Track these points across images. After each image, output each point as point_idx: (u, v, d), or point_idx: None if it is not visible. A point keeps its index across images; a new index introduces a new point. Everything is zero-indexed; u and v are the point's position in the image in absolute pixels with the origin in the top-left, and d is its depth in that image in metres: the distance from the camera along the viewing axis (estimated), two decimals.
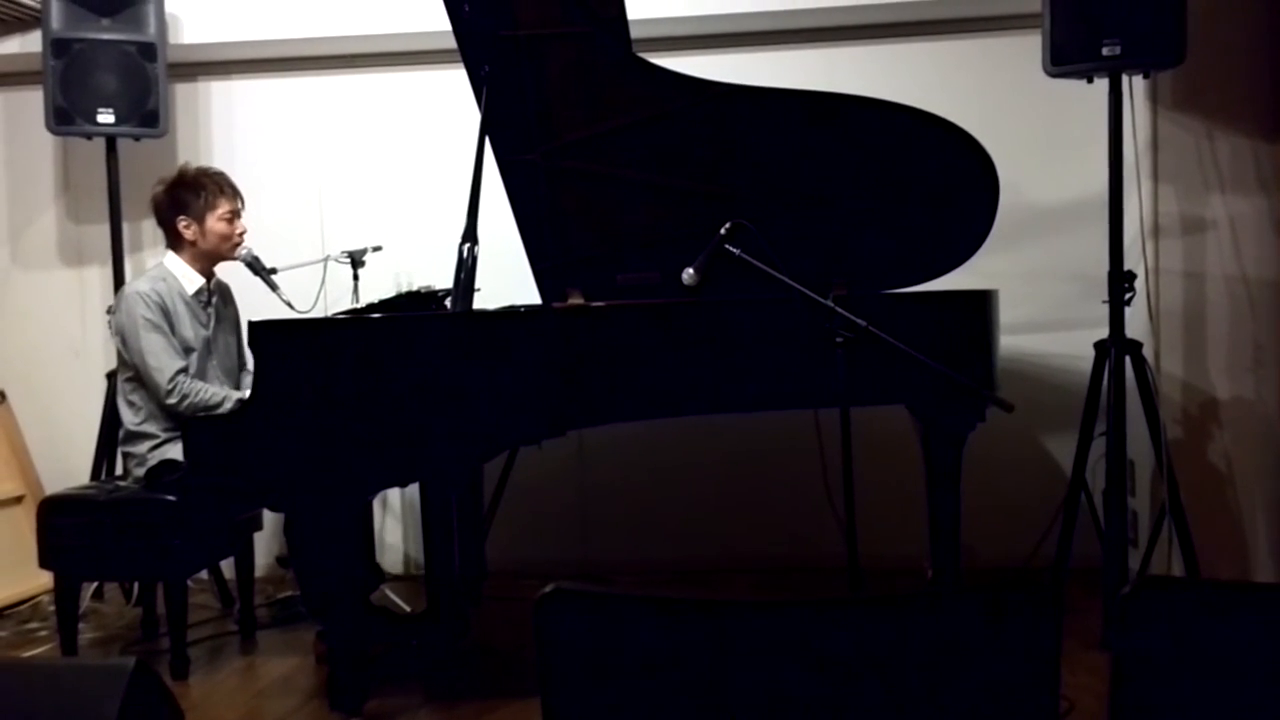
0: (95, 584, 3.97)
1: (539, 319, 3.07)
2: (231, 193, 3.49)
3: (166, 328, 3.36)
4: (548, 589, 1.24)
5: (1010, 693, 1.26)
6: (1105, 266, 3.31)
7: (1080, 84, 3.33)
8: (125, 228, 4.17)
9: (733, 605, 1.22)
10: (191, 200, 3.43)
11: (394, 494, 4.35)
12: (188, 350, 3.40)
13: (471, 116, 3.19)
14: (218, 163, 3.70)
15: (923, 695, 1.24)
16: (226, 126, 4.44)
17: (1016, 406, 2.69)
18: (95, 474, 3.95)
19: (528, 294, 3.49)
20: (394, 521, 4.40)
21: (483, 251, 3.09)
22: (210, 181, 3.45)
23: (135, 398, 3.39)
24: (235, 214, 3.50)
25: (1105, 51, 3.16)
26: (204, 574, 3.93)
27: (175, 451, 3.30)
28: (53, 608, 3.52)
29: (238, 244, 3.49)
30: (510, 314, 3.23)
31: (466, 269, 3.04)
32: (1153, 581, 1.78)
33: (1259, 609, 1.30)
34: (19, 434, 4.43)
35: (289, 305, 3.49)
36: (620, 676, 1.27)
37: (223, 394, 3.35)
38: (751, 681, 1.23)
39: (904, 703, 1.24)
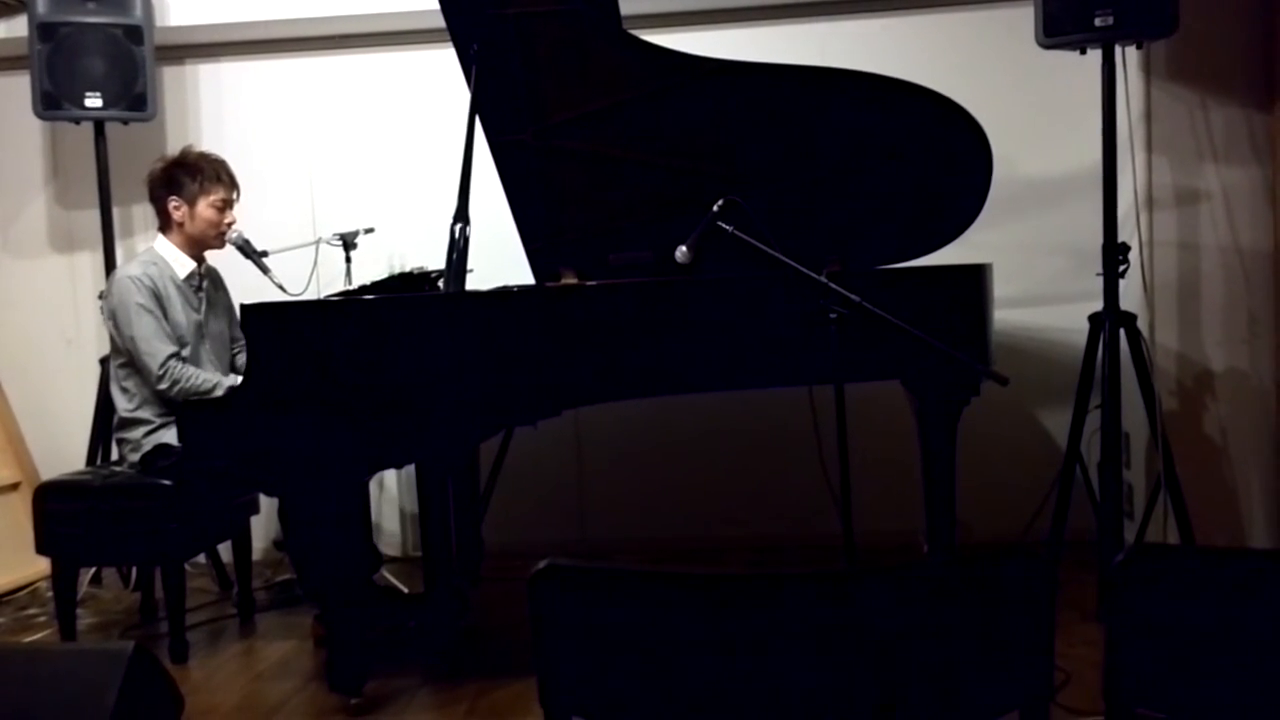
0: (93, 569, 3.98)
1: (532, 299, 3.06)
2: (228, 182, 3.47)
3: (159, 312, 3.34)
4: (542, 565, 1.24)
5: (1006, 664, 1.26)
6: (1099, 239, 3.30)
7: (1073, 55, 3.31)
8: (115, 212, 4.16)
9: (726, 579, 1.22)
10: (186, 182, 3.41)
11: (390, 476, 4.35)
12: (180, 335, 3.39)
13: (462, 96, 3.17)
14: (207, 146, 3.67)
15: (918, 668, 1.25)
16: (215, 109, 4.41)
17: (1011, 380, 2.69)
18: (90, 460, 3.95)
19: (521, 274, 3.48)
20: (391, 503, 4.40)
21: (475, 232, 3.08)
22: (208, 166, 3.44)
23: (129, 384, 3.38)
24: (228, 203, 3.47)
25: (1098, 22, 3.14)
26: (202, 558, 3.94)
27: (169, 436, 3.30)
28: (51, 594, 3.52)
29: (223, 233, 3.47)
30: (503, 294, 3.22)
31: (459, 249, 3.03)
32: (1147, 548, 1.79)
33: (1252, 574, 1.30)
34: (13, 421, 4.42)
35: (281, 288, 3.48)
36: (615, 651, 1.27)
37: (215, 379, 3.34)
38: (745, 654, 1.23)
39: (900, 676, 1.24)
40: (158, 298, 3.36)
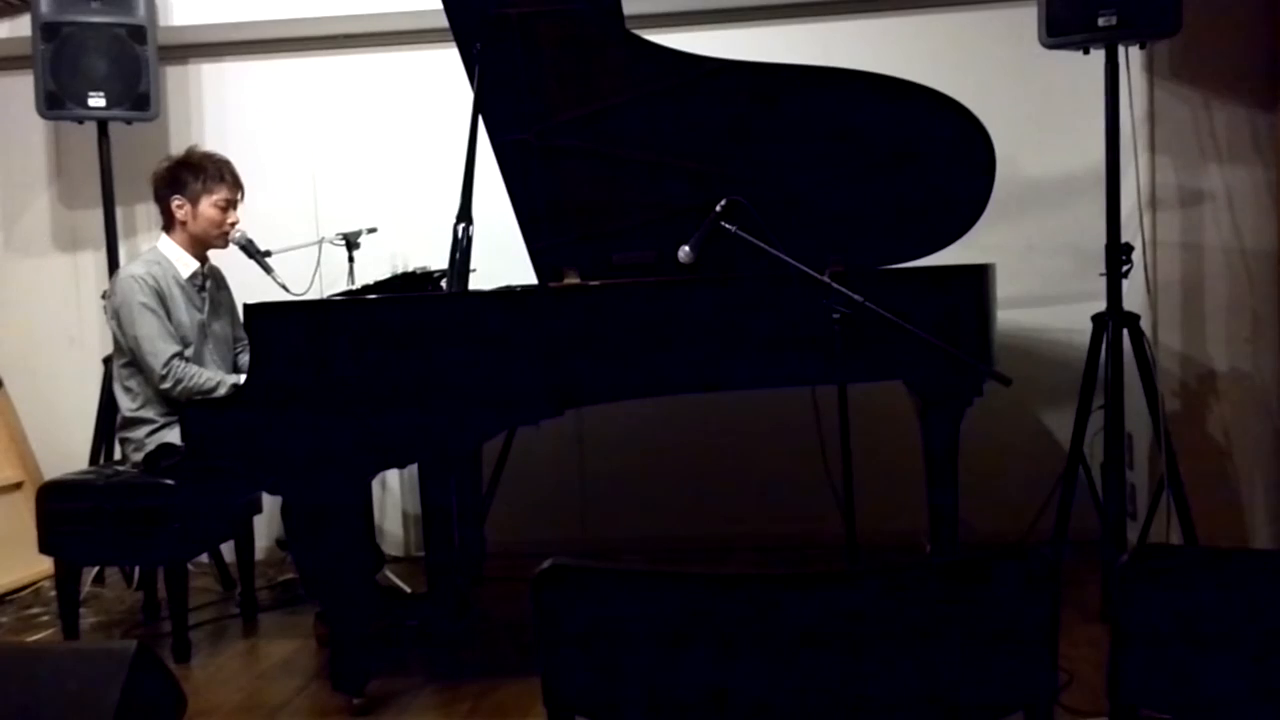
0: (96, 569, 3.98)
1: (535, 299, 3.06)
2: (232, 181, 3.47)
3: (162, 312, 3.35)
4: (545, 565, 1.24)
5: (1009, 665, 1.26)
6: (1102, 239, 3.30)
7: (1076, 55, 3.31)
8: (119, 212, 4.17)
9: (730, 579, 1.22)
10: (190, 180, 3.42)
11: (393, 476, 4.35)
12: (183, 335, 3.39)
13: (465, 96, 3.17)
14: (210, 146, 3.68)
15: (921, 667, 1.25)
16: (219, 109, 4.42)
17: (1014, 381, 2.68)
18: (93, 459, 3.96)
19: (524, 274, 3.48)
20: (393, 503, 4.40)
21: (478, 232, 3.08)
22: (212, 166, 3.44)
23: (132, 383, 3.39)
24: (231, 203, 3.47)
25: (1101, 22, 3.14)
26: (204, 557, 3.94)
27: (173, 436, 3.30)
28: (54, 593, 3.53)
29: (226, 233, 3.47)
30: (506, 294, 3.22)
31: (461, 249, 3.03)
32: (1152, 549, 1.79)
33: (1255, 574, 1.30)
34: (17, 420, 4.43)
35: (284, 288, 3.48)
36: (618, 651, 1.27)
37: (217, 378, 3.34)
38: (748, 654, 1.23)
39: (902, 675, 1.24)
40: (161, 297, 3.36)
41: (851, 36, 4.06)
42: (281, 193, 4.30)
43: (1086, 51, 3.28)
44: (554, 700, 1.29)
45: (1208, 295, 3.59)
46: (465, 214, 3.04)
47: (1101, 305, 3.31)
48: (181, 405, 3.18)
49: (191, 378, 3.30)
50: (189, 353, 3.38)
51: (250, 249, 3.52)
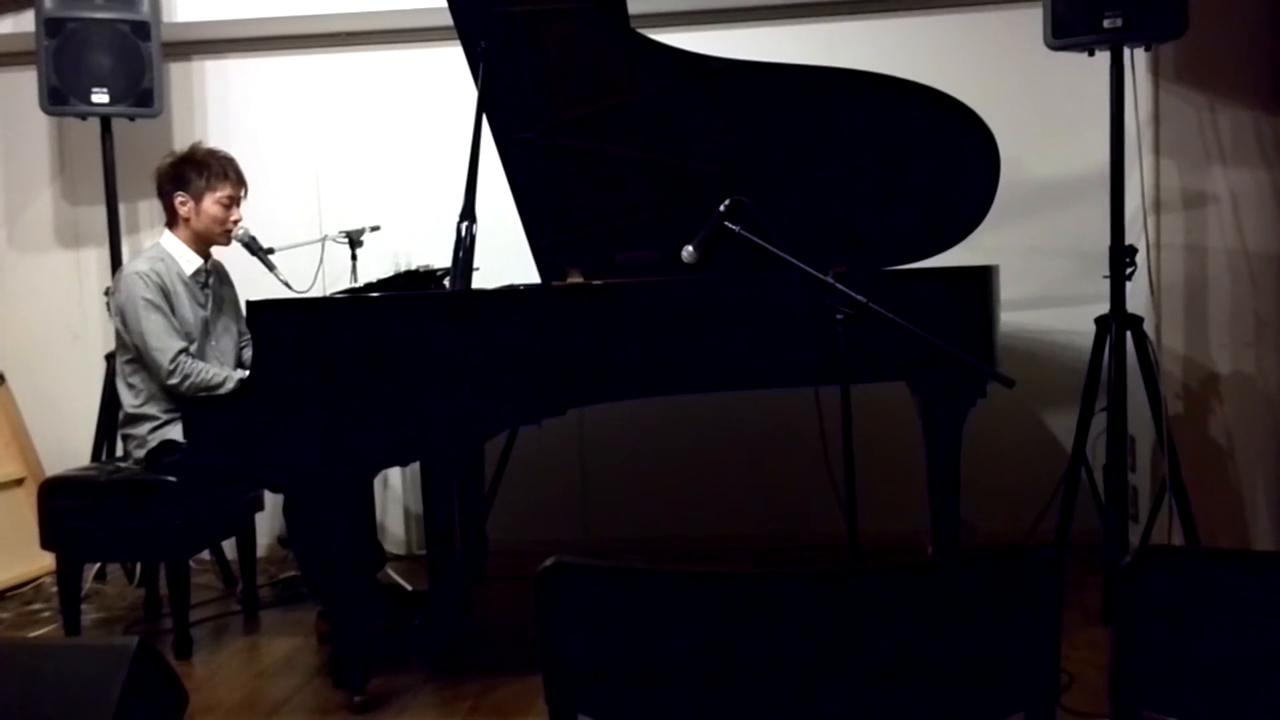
0: (97, 565, 3.98)
1: (538, 298, 3.06)
2: (235, 179, 3.47)
3: (166, 308, 3.35)
4: (548, 562, 1.24)
5: (1011, 666, 1.26)
6: (1106, 241, 3.30)
7: (1081, 57, 3.31)
8: (122, 208, 4.17)
9: (731, 577, 1.22)
10: (193, 177, 3.42)
11: (395, 474, 4.36)
12: (187, 331, 3.39)
13: (469, 94, 3.17)
14: (213, 143, 3.67)
15: (923, 669, 1.25)
16: (222, 106, 4.42)
17: (1017, 382, 2.68)
18: (95, 456, 3.96)
19: (527, 273, 3.48)
20: (395, 502, 4.41)
21: (481, 231, 3.08)
22: (216, 163, 3.44)
23: (135, 380, 3.39)
24: (234, 200, 3.47)
25: (1106, 24, 3.14)
26: (206, 554, 3.94)
27: (175, 433, 3.30)
28: (55, 589, 3.53)
29: (229, 230, 3.47)
30: (509, 293, 3.22)
31: (465, 248, 3.03)
32: (1154, 551, 1.78)
33: (1258, 576, 1.30)
34: (19, 416, 4.43)
35: (287, 285, 3.48)
36: (621, 649, 1.27)
37: (224, 374, 3.34)
38: (749, 653, 1.23)
39: (904, 676, 1.24)
40: (165, 294, 3.36)
41: (856, 37, 4.06)
42: (285, 190, 4.30)
43: (1091, 53, 3.28)
44: (555, 698, 1.29)
45: (1211, 298, 3.59)
46: (469, 212, 3.04)
47: (1105, 307, 3.31)
48: (184, 402, 3.18)
49: (199, 373, 3.30)
50: (193, 349, 3.38)
51: (253, 246, 3.51)
